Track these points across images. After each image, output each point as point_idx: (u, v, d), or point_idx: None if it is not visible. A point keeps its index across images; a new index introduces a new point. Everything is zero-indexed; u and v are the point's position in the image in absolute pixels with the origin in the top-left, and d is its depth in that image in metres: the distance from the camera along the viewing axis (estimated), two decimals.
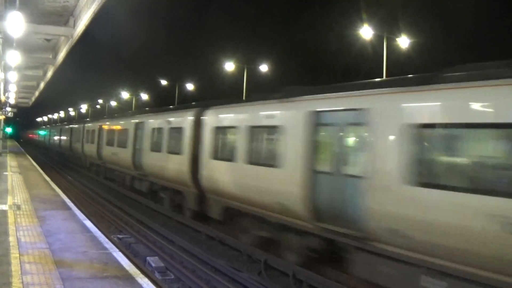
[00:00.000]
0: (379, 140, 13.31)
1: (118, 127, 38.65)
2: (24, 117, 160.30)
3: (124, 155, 34.98)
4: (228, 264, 17.44)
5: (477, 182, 10.81)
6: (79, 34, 25.84)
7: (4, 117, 55.78)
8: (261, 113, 18.92)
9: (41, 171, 39.01)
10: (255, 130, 19.10)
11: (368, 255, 13.73)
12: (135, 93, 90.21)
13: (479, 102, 10.99)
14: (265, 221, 18.22)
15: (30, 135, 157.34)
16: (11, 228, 15.55)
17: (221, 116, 22.02)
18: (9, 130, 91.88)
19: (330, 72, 62.06)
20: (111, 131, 40.55)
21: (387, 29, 40.42)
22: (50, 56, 37.03)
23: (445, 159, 12.17)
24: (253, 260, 18.16)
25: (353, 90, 15.07)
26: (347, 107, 14.79)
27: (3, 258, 11.98)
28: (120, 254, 13.57)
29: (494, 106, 10.74)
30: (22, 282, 10.26)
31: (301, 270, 15.89)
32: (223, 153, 21.18)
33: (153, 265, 16.52)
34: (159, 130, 28.72)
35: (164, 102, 58.72)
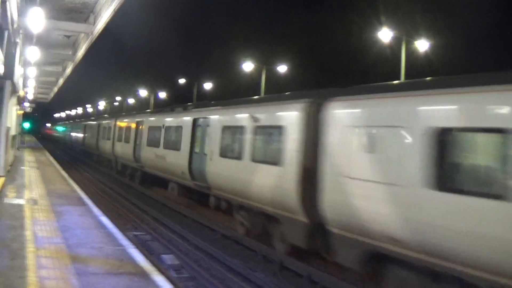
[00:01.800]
0: None
1: (165, 123, 31.92)
2: (42, 113, 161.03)
3: (175, 159, 28.59)
4: (243, 263, 17.38)
5: None
6: (99, 31, 25.88)
7: (22, 112, 56.08)
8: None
9: (58, 167, 39.16)
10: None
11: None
12: (153, 91, 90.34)
13: None
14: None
15: (48, 131, 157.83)
16: (28, 223, 15.63)
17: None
18: (26, 125, 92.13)
19: (348, 73, 61.79)
20: (154, 129, 33.71)
21: (406, 31, 40.32)
22: (70, 53, 37.09)
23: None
24: (268, 260, 18.10)
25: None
26: None
27: (19, 252, 12.04)
28: (136, 251, 13.58)
29: None
30: (38, 276, 10.29)
31: (316, 272, 15.83)
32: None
33: (168, 262, 16.53)
34: (237, 129, 21.75)
35: (182, 100, 58.64)
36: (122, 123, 43.84)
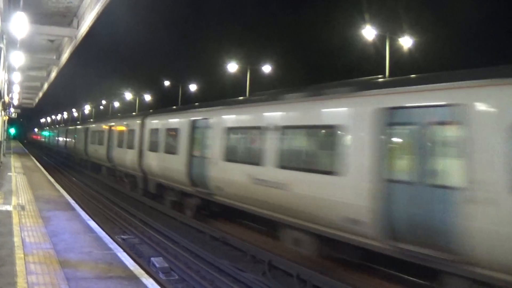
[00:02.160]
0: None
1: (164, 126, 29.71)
2: (28, 118, 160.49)
3: (176, 164, 26.45)
4: (232, 264, 17.42)
5: None
6: (83, 35, 25.82)
7: (7, 117, 55.86)
8: None
9: (45, 172, 39.02)
10: None
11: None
12: (138, 93, 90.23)
13: None
14: None
15: (35, 136, 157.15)
16: (16, 229, 15.58)
17: None
18: (12, 131, 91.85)
19: (332, 71, 61.99)
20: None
21: (390, 28, 40.50)
22: (54, 57, 36.97)
23: None
24: (257, 260, 18.14)
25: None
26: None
27: (8, 259, 12.01)
28: (125, 254, 13.61)
29: None
30: (27, 282, 10.29)
31: (305, 270, 15.89)
32: None
33: (157, 265, 16.50)
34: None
35: (167, 103, 58.77)
36: (119, 127, 40.98)
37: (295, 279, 15.77)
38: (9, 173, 34.36)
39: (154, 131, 30.86)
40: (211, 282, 15.85)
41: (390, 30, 39.69)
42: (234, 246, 20.12)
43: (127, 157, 36.17)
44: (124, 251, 14.24)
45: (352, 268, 16.33)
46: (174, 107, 37.38)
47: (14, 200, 21.66)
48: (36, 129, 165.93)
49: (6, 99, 40.70)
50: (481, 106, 11.29)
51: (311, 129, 16.84)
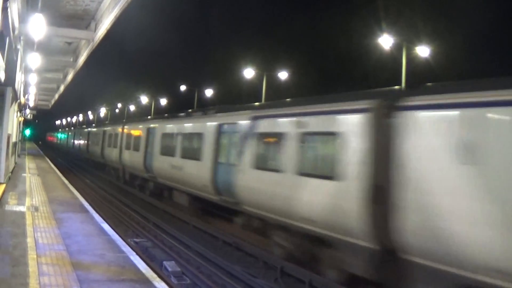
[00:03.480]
0: None
1: (183, 130, 28.61)
2: (44, 120, 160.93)
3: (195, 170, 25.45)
4: (244, 270, 17.38)
5: None
6: (100, 38, 25.89)
7: (22, 119, 56.06)
8: None
9: (59, 174, 39.14)
10: None
11: None
12: (154, 97, 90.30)
13: None
14: None
15: (50, 138, 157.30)
16: (29, 230, 15.63)
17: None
18: (27, 132, 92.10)
19: (349, 80, 61.86)
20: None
21: (406, 37, 40.37)
22: (71, 59, 37.13)
23: None
24: (269, 266, 18.10)
25: None
26: None
27: (20, 259, 12.03)
28: (137, 257, 13.60)
29: None
30: (39, 283, 10.29)
31: (317, 277, 15.82)
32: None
33: (170, 269, 16.50)
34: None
35: (182, 107, 58.78)
36: (133, 130, 40.44)
37: (307, 286, 15.71)
38: (23, 174, 34.51)
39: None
40: (222, 287, 15.82)
41: (407, 39, 39.57)
42: (246, 251, 20.07)
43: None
44: (137, 254, 14.22)
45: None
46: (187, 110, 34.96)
47: (28, 201, 21.73)
48: (53, 131, 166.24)
49: (22, 100, 40.84)
50: None
51: None
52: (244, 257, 19.80)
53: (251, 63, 56.72)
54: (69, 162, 71.41)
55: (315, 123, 16.77)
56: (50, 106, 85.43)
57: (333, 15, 76.42)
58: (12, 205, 20.33)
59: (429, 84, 14.85)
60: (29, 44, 28.00)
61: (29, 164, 46.78)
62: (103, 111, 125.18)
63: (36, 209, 19.91)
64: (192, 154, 26.37)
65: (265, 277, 16.97)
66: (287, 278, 16.85)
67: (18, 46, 25.52)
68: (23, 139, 75.12)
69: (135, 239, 21.43)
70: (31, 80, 39.32)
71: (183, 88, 77.50)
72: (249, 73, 54.86)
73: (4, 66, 19.26)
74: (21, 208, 19.75)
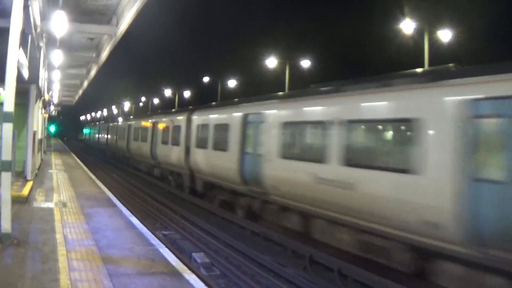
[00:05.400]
0: None
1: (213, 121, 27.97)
2: (68, 116, 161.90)
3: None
4: (273, 259, 17.37)
5: None
6: (122, 32, 25.89)
7: (47, 115, 56.38)
8: None
9: (86, 169, 39.30)
10: None
11: None
12: (177, 90, 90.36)
13: None
14: None
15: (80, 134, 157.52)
16: (58, 226, 15.70)
17: None
18: (52, 128, 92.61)
19: (371, 66, 61.54)
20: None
21: (428, 21, 39.95)
22: (94, 55, 37.21)
23: None
24: (298, 255, 18.08)
25: None
26: None
27: (50, 255, 12.09)
28: (167, 250, 13.61)
29: None
30: (70, 279, 10.33)
31: (346, 265, 15.78)
32: None
33: (199, 261, 16.52)
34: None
35: (206, 99, 58.71)
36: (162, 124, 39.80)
37: (336, 273, 15.66)
38: (50, 170, 34.72)
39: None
40: (252, 277, 15.81)
41: (429, 23, 39.16)
42: (274, 241, 20.06)
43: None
44: (166, 246, 14.24)
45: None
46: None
47: (55, 197, 21.85)
48: (82, 126, 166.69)
49: (46, 97, 41.08)
50: None
51: (382, 123, 15.71)
52: (272, 246, 19.80)
53: (273, 52, 56.54)
54: (96, 158, 71.76)
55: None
56: (74, 102, 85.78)
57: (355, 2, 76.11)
58: (40, 202, 20.44)
59: None
60: (52, 41, 28.10)
61: (55, 160, 47.03)
62: (127, 105, 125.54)
63: (64, 204, 20.01)
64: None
65: (294, 265, 16.95)
66: (315, 266, 16.83)
67: (41, 44, 25.61)
68: (48, 135, 75.54)
69: (163, 232, 21.51)
70: (54, 77, 39.52)
71: (206, 79, 77.44)
72: (271, 62, 54.62)
73: (27, 63, 19.34)
74: (49, 205, 19.84)
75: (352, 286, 15.13)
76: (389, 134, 15.77)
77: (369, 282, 14.76)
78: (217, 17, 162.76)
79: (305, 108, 19.44)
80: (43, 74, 30.82)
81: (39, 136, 34.13)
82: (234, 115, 25.13)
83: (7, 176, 12.86)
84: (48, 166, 38.26)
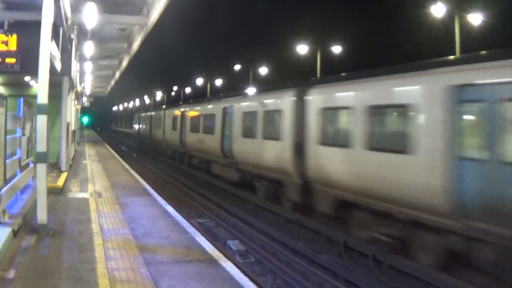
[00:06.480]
0: None
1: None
2: (101, 106, 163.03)
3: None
4: (307, 246, 17.39)
5: None
6: (153, 22, 25.88)
7: (80, 106, 56.77)
8: None
9: (120, 159, 39.51)
10: None
11: None
12: (209, 78, 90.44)
13: None
14: None
15: (115, 125, 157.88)
16: (93, 216, 15.82)
17: None
18: (85, 119, 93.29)
19: (402, 51, 61.07)
20: None
21: (459, 4, 39.46)
22: (125, 45, 37.27)
23: None
24: (332, 241, 18.06)
25: None
26: None
27: (87, 245, 12.19)
28: (203, 238, 13.63)
29: None
30: (107, 268, 10.40)
31: (381, 251, 15.73)
32: None
33: (234, 248, 16.60)
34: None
35: (237, 87, 58.71)
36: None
37: (371, 260, 15.63)
38: (84, 161, 34.99)
39: None
40: (287, 264, 15.83)
41: (459, 6, 38.67)
42: (309, 227, 20.06)
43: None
44: (202, 234, 14.29)
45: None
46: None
47: (90, 188, 22.02)
48: (117, 117, 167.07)
49: (79, 88, 41.37)
50: None
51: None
52: (307, 233, 19.80)
53: (304, 39, 56.41)
54: (130, 148, 72.09)
55: None
56: (106, 92, 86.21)
57: None
58: (75, 192, 20.62)
59: None
60: (83, 33, 28.25)
61: (89, 151, 47.38)
62: (159, 95, 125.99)
63: (99, 195, 20.16)
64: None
65: (329, 252, 16.94)
66: (350, 252, 16.80)
67: (72, 36, 25.75)
68: (81, 126, 76.03)
69: (198, 220, 21.61)
70: (86, 68, 39.72)
71: (237, 67, 77.39)
72: (302, 49, 54.38)
73: (59, 56, 19.47)
74: (84, 195, 20.01)
75: (387, 272, 15.08)
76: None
77: (404, 268, 14.71)
78: (249, 5, 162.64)
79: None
80: (75, 65, 31.00)
81: (72, 127, 34.42)
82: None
83: (42, 168, 12.99)
84: (82, 157, 38.55)
